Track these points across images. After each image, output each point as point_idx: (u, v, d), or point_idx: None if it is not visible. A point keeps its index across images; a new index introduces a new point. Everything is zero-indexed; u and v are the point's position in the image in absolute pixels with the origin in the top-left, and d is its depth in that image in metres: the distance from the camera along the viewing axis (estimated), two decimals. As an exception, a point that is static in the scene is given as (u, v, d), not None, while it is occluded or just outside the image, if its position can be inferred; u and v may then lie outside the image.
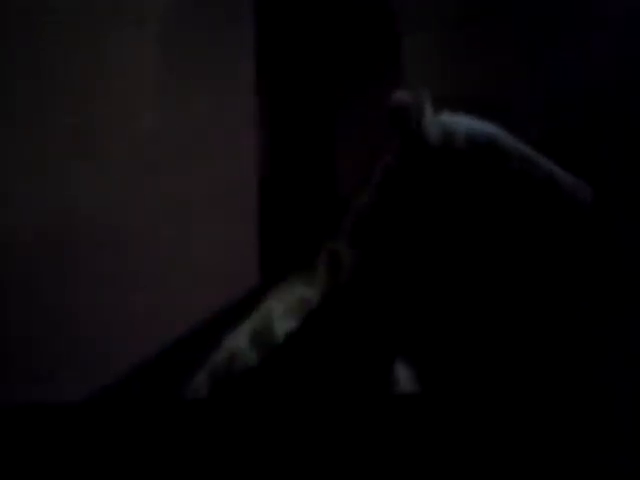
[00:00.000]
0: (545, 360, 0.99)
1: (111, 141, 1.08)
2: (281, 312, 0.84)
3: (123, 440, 0.75)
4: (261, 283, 0.91)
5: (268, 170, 1.05)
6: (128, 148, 1.05)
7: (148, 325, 1.03)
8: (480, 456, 0.83)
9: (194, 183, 1.05)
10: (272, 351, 0.75)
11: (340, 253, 0.88)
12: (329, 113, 1.01)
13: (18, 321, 1.03)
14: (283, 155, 1.01)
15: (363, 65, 1.06)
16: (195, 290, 1.15)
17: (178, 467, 0.76)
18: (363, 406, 0.79)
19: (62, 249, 1.03)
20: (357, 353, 0.81)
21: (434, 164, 0.92)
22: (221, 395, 0.76)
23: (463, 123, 0.94)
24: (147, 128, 1.04)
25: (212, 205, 1.08)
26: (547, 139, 1.08)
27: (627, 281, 1.02)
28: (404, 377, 0.87)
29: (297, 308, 0.82)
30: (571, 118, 1.11)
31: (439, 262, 0.94)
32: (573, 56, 1.11)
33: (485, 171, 0.94)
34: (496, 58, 1.10)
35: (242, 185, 1.06)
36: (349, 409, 0.78)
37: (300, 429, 0.77)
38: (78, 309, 1.03)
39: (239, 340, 0.85)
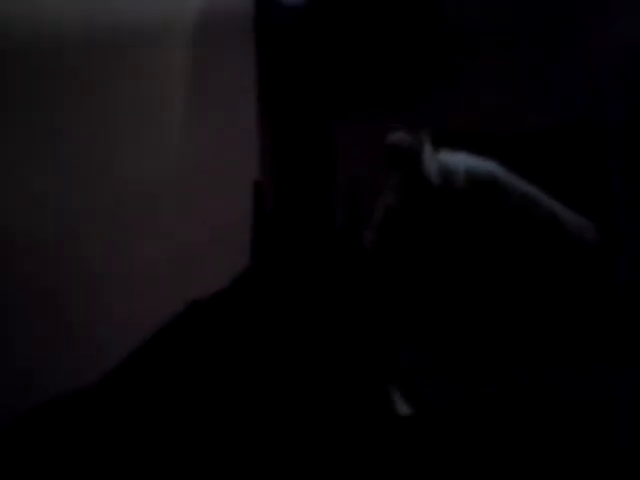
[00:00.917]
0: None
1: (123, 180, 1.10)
2: None
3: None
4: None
5: (271, 204, 1.06)
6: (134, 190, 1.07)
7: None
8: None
9: (195, 222, 1.06)
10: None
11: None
12: (329, 147, 1.02)
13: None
14: (285, 189, 1.02)
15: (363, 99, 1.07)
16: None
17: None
18: (367, 425, 0.80)
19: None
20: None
21: (435, 203, 0.92)
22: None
23: (462, 162, 0.95)
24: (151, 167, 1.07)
25: (212, 242, 1.09)
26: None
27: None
28: (398, 399, 0.87)
29: None
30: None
31: (439, 295, 0.94)
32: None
33: (485, 209, 0.94)
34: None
35: (243, 220, 1.07)
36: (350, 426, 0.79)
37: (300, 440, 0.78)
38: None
39: None
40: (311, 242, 0.91)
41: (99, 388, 0.85)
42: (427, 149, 0.93)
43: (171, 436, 0.80)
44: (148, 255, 1.04)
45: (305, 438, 0.79)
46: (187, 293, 0.96)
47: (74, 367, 1.02)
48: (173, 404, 0.81)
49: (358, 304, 0.85)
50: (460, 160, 0.95)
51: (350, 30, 1.02)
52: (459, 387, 0.94)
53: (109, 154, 1.09)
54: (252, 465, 0.77)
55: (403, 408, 0.86)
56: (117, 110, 1.09)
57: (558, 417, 0.95)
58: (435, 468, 0.85)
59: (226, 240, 1.00)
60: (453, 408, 0.91)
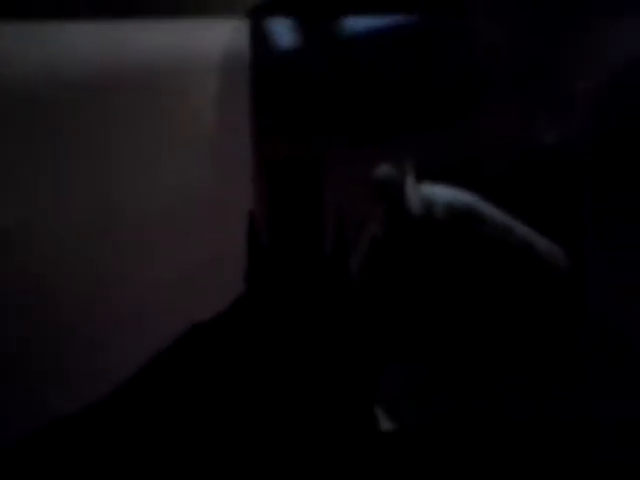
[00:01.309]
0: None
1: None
2: None
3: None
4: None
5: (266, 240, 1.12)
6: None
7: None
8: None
9: (196, 253, 1.14)
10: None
11: None
12: (318, 184, 1.09)
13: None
14: (278, 224, 1.09)
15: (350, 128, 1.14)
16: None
17: None
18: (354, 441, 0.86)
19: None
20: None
21: (417, 233, 1.00)
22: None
23: (443, 194, 1.02)
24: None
25: (214, 272, 1.16)
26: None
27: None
28: (382, 416, 0.94)
29: None
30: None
31: (418, 317, 1.01)
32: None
33: (464, 238, 1.02)
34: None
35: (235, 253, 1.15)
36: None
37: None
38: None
39: None
40: (300, 269, 0.98)
41: (98, 409, 0.89)
42: (410, 182, 1.00)
43: (170, 454, 0.85)
44: (144, 276, 1.09)
45: (294, 452, 0.85)
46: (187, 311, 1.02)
47: (74, 368, 1.06)
48: (172, 424, 0.87)
49: (345, 326, 0.92)
50: (440, 192, 1.03)
51: (340, 71, 1.10)
52: (442, 404, 1.00)
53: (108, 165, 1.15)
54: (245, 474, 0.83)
55: (387, 425, 0.93)
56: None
57: (538, 432, 1.02)
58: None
59: (223, 266, 1.06)
60: (437, 425, 0.98)
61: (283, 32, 1.15)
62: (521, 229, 1.05)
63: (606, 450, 1.02)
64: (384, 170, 1.00)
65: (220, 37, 1.20)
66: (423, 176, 1.04)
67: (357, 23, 1.14)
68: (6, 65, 1.10)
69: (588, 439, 1.04)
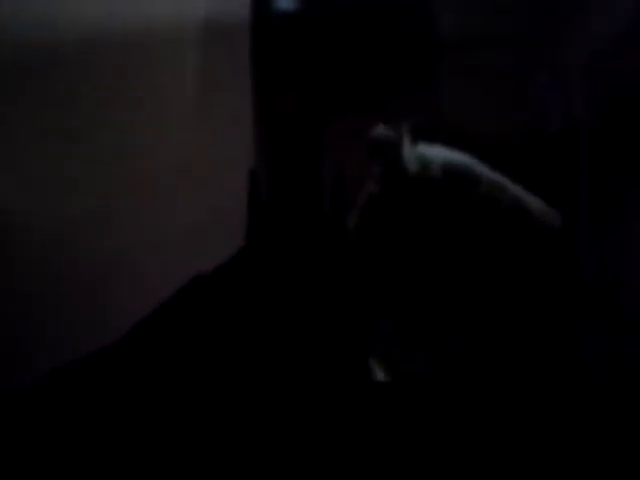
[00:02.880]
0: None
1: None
2: None
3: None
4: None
5: (265, 193, 1.15)
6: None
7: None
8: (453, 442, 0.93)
9: (197, 206, 1.15)
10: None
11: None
12: (318, 141, 1.11)
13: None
14: (278, 179, 1.12)
15: (352, 93, 1.16)
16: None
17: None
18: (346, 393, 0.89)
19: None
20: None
21: (413, 191, 1.02)
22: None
23: (439, 153, 1.04)
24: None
25: (213, 223, 1.17)
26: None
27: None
28: (375, 366, 0.97)
29: None
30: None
31: (414, 275, 1.04)
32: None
33: (458, 197, 1.04)
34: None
35: (242, 206, 1.17)
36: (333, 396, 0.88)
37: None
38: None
39: None
40: (300, 224, 1.01)
41: (100, 358, 0.93)
42: (406, 142, 1.03)
43: (170, 409, 0.89)
44: (153, 234, 1.12)
45: (288, 406, 0.89)
46: (191, 266, 1.05)
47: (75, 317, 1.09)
48: (173, 376, 0.91)
49: (341, 280, 0.95)
50: (436, 152, 1.05)
51: (339, 33, 1.11)
52: (434, 354, 1.04)
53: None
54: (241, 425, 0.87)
55: (380, 375, 0.97)
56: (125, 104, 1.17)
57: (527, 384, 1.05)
58: (413, 434, 0.95)
59: (225, 221, 1.09)
60: (429, 375, 1.02)
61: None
62: (515, 189, 1.07)
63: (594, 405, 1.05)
64: (381, 129, 1.02)
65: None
66: (420, 136, 1.06)
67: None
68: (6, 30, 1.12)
69: (576, 392, 1.07)
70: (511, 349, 1.07)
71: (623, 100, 1.16)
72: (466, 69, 1.16)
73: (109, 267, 1.10)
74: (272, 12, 1.13)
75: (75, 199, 1.12)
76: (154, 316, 0.94)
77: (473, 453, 0.92)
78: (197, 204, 1.20)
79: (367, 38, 1.11)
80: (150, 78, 1.16)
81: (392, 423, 0.94)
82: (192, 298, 0.94)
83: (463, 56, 1.15)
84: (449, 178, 1.03)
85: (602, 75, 1.19)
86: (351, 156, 1.08)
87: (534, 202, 1.08)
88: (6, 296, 1.08)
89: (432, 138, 1.07)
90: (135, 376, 0.92)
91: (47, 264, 1.08)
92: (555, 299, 1.11)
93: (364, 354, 0.94)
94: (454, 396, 0.99)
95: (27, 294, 1.07)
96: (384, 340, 1.00)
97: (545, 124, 1.20)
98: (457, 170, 1.04)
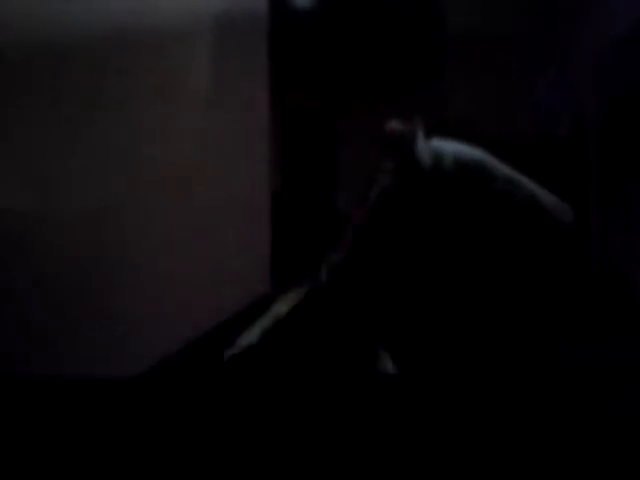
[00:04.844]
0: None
1: (146, 162, 1.19)
2: (284, 310, 0.97)
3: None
4: (270, 291, 1.01)
5: (279, 186, 1.17)
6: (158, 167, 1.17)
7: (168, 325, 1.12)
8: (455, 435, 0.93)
9: (213, 197, 1.16)
10: (269, 330, 0.88)
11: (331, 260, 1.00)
12: (332, 137, 1.13)
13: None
14: (292, 173, 1.13)
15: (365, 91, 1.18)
16: (210, 292, 1.26)
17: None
18: (351, 383, 0.90)
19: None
20: (341, 338, 0.93)
21: (426, 184, 1.03)
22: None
23: (452, 148, 1.05)
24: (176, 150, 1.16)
25: (229, 215, 1.19)
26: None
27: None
28: (384, 357, 0.98)
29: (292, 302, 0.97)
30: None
31: (425, 269, 1.04)
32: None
33: (471, 191, 1.05)
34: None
35: (257, 199, 1.18)
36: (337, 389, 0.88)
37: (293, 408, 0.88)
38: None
39: (251, 338, 0.98)
40: (314, 218, 1.02)
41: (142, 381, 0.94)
42: (420, 136, 1.04)
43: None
44: (176, 224, 1.13)
45: (298, 396, 0.89)
46: (203, 268, 1.06)
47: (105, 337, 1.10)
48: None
49: (353, 272, 0.96)
50: (450, 146, 1.06)
51: (354, 32, 1.13)
52: (445, 347, 1.04)
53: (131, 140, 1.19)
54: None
55: (390, 367, 0.97)
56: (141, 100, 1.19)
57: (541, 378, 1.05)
58: (420, 424, 0.95)
59: (240, 210, 1.11)
60: (440, 366, 1.02)
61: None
62: (527, 183, 1.07)
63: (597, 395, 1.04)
64: (395, 124, 1.03)
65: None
66: (433, 132, 1.07)
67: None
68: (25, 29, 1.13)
69: (581, 384, 1.06)
70: (521, 340, 1.07)
71: (633, 99, 1.16)
72: (475, 67, 1.17)
73: (112, 267, 1.11)
74: (288, 10, 1.16)
75: (82, 198, 1.12)
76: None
77: (475, 448, 0.92)
78: (212, 201, 1.22)
79: (379, 37, 1.12)
80: (164, 75, 1.19)
81: (398, 415, 0.94)
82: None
83: (472, 55, 1.16)
84: (462, 172, 1.04)
85: (612, 74, 1.19)
86: (364, 151, 1.10)
87: (547, 197, 1.08)
88: (6, 296, 1.09)
89: (444, 133, 1.08)
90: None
91: (48, 264, 1.10)
92: (564, 291, 1.11)
93: (374, 348, 0.94)
94: (460, 391, 0.99)
95: (27, 294, 1.10)
96: (394, 334, 1.01)
97: (555, 122, 1.20)
98: (470, 164, 1.05)
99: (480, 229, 1.05)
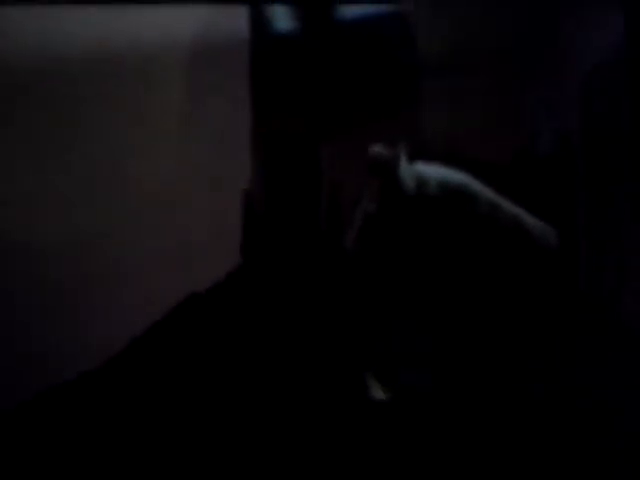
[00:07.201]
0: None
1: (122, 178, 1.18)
2: None
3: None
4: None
5: (262, 205, 1.15)
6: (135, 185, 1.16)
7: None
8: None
9: (193, 218, 1.16)
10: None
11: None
12: (315, 157, 1.12)
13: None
14: (274, 196, 1.12)
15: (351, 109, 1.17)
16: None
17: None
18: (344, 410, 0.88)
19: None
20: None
21: (409, 209, 1.02)
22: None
23: (435, 172, 1.05)
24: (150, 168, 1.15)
25: (209, 239, 1.17)
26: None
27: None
28: (374, 385, 0.96)
29: None
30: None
31: (410, 293, 1.04)
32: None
33: (455, 215, 1.04)
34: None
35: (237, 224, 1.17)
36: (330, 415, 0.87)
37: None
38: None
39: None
40: (297, 242, 1.01)
41: (94, 377, 0.92)
42: (403, 160, 1.03)
43: (167, 424, 0.89)
44: (150, 250, 1.12)
45: (286, 422, 0.88)
46: (187, 283, 1.05)
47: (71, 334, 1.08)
48: (167, 395, 0.90)
49: (339, 298, 0.94)
50: (433, 170, 1.05)
51: (336, 54, 1.13)
52: (433, 371, 1.03)
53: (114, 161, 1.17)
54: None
55: (379, 394, 0.96)
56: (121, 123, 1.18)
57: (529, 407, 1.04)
58: (412, 451, 0.94)
59: (223, 238, 1.09)
60: (428, 392, 1.01)
61: (281, 17, 1.18)
62: (511, 207, 1.07)
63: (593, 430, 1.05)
64: (378, 149, 1.03)
65: (221, 21, 1.24)
66: (416, 156, 1.07)
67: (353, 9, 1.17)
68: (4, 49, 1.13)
69: (567, 418, 1.06)
70: (510, 364, 1.06)
71: (619, 116, 1.18)
72: (454, 89, 1.17)
73: (108, 282, 1.10)
74: (270, 33, 1.15)
75: (74, 214, 1.12)
76: (149, 334, 0.93)
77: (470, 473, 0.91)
78: (195, 221, 1.21)
79: (358, 59, 1.12)
80: (146, 97, 1.18)
81: (390, 442, 0.93)
82: (187, 316, 0.93)
83: (451, 76, 1.17)
84: (446, 196, 1.04)
85: (597, 92, 1.20)
86: (347, 175, 1.09)
87: (531, 221, 1.08)
88: (6, 309, 1.08)
89: (427, 157, 1.08)
90: (129, 395, 0.91)
91: (47, 279, 1.08)
92: (553, 316, 1.11)
93: (362, 372, 0.93)
94: (453, 414, 0.98)
95: (27, 308, 1.07)
96: (382, 357, 0.99)
97: (539, 143, 1.21)
98: (453, 189, 1.04)
99: (464, 253, 1.05)
